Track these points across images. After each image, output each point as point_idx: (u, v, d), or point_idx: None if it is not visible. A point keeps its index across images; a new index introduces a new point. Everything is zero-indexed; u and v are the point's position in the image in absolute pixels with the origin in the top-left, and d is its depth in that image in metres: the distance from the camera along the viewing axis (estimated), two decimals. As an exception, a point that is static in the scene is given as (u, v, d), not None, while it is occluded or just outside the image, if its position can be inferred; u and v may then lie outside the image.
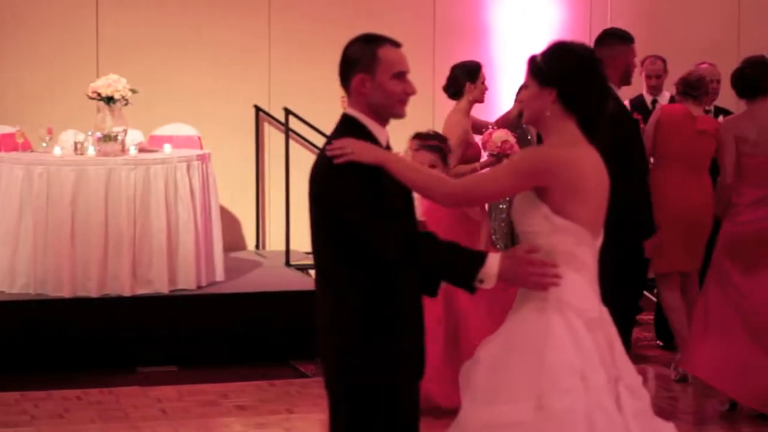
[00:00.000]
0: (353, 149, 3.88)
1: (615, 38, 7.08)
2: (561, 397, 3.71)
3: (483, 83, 8.24)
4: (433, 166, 6.46)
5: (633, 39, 7.09)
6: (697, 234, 7.97)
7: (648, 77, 9.70)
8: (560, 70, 3.90)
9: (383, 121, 4.07)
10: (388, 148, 4.08)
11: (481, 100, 8.27)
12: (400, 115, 4.06)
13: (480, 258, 3.86)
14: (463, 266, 3.88)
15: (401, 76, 4.02)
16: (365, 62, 3.99)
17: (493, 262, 3.84)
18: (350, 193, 3.89)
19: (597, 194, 3.91)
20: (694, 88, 8.04)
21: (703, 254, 7.95)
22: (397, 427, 3.99)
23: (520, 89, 7.84)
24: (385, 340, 3.94)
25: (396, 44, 4.05)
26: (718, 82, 9.02)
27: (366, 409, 3.97)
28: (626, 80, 7.09)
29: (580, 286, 3.89)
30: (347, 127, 4.03)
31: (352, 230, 3.90)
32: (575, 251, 3.89)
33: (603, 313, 3.95)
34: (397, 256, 3.89)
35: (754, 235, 7.13)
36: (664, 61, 9.73)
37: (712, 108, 9.10)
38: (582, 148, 3.91)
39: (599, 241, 3.96)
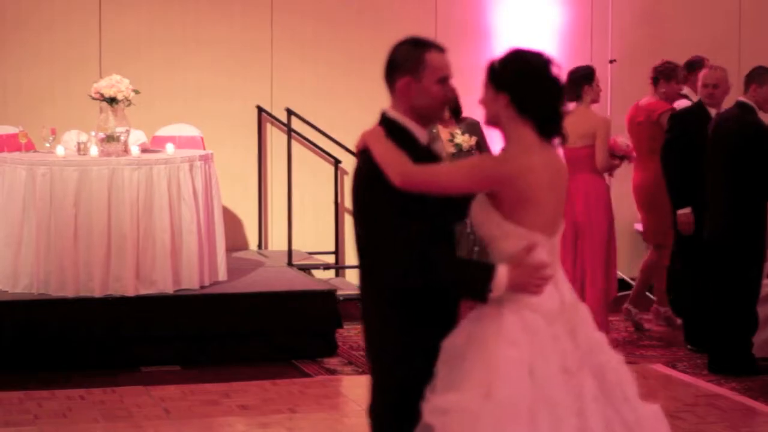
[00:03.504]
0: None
1: None
2: (507, 388, 3.90)
3: (597, 85, 8.73)
4: None
5: None
6: None
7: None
8: (511, 76, 4.03)
9: (426, 123, 4.15)
10: (428, 147, 4.17)
11: (597, 100, 8.78)
12: (441, 119, 4.15)
13: (490, 270, 3.96)
14: (475, 280, 3.98)
15: (445, 81, 4.09)
16: (412, 65, 4.05)
17: (503, 272, 3.95)
18: (379, 205, 4.00)
19: (552, 197, 4.07)
20: None
21: None
22: None
23: None
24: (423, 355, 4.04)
25: (441, 49, 4.11)
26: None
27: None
28: None
29: None
30: (386, 127, 4.10)
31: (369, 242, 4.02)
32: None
33: (565, 303, 4.08)
34: (409, 274, 3.98)
35: None
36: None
37: None
38: (536, 155, 4.04)
39: (557, 237, 4.10)
